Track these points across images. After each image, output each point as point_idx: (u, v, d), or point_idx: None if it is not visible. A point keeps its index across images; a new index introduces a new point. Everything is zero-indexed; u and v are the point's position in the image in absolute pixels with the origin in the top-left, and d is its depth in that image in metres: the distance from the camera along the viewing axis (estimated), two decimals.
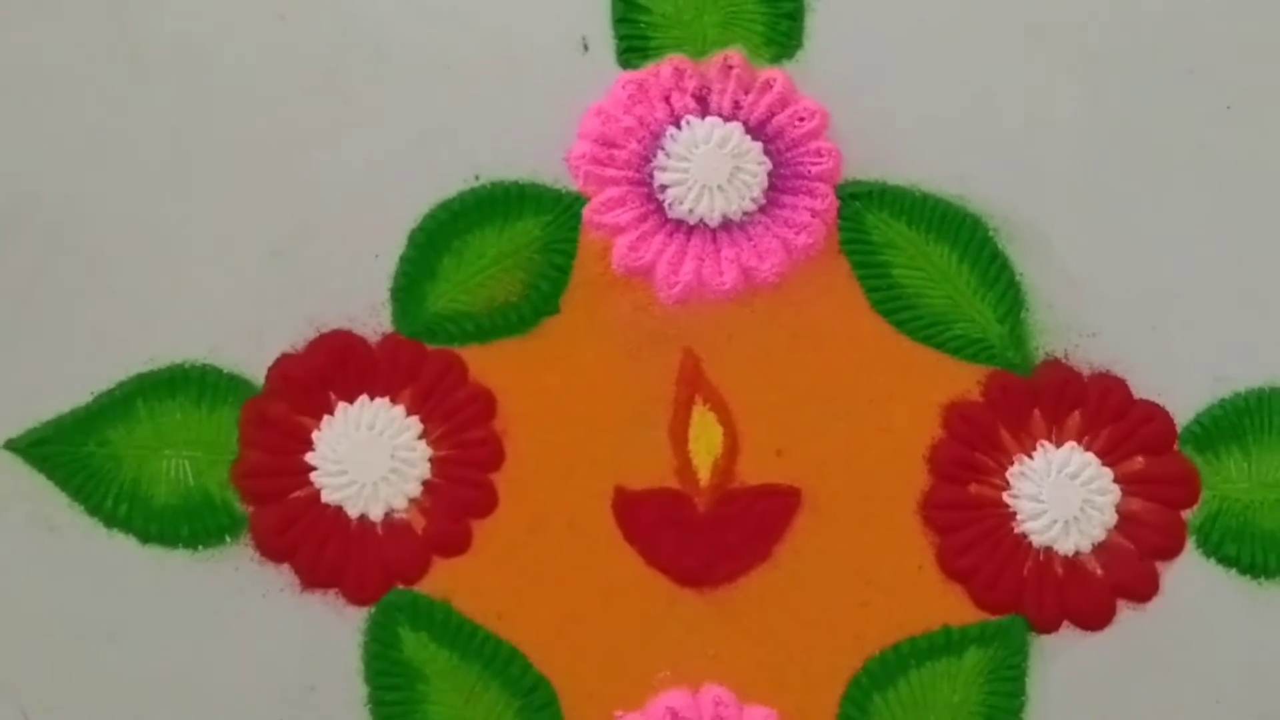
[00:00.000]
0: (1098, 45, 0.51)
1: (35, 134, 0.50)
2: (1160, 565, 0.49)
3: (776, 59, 0.51)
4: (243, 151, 0.50)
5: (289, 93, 0.50)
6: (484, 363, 0.49)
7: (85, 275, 0.49)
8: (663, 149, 0.50)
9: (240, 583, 0.48)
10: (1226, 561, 0.49)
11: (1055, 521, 0.49)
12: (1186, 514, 0.49)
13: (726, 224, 0.50)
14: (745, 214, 0.50)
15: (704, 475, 0.49)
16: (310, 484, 0.49)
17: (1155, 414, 0.50)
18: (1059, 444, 0.49)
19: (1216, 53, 0.52)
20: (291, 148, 0.50)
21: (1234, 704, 0.49)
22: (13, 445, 0.48)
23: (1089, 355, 0.50)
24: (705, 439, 0.49)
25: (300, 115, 0.50)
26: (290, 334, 0.49)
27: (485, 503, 0.49)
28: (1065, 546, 0.49)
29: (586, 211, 0.50)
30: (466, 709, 0.48)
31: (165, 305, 0.49)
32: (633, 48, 0.51)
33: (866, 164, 0.51)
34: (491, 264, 0.50)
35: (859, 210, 0.51)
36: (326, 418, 0.49)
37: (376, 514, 0.49)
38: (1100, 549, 0.49)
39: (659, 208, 0.50)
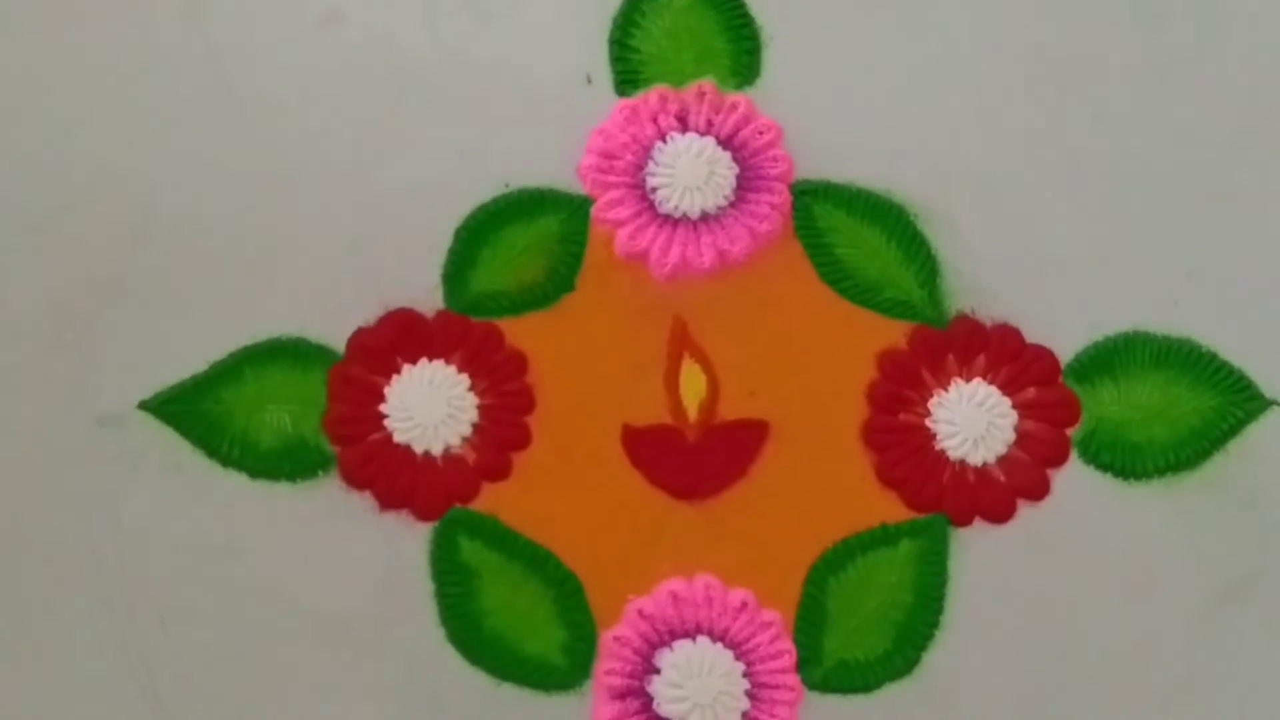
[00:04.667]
0: (991, 72, 0.56)
1: (158, 164, 0.55)
2: (1050, 472, 0.54)
3: (740, 86, 0.56)
4: (323, 171, 0.55)
5: (359, 123, 0.55)
6: (517, 331, 0.54)
7: (201, 271, 0.54)
8: (652, 159, 0.55)
9: (331, 507, 0.53)
10: (1102, 468, 0.54)
11: (967, 440, 0.53)
12: (1070, 431, 0.54)
13: (705, 217, 0.55)
14: (719, 208, 0.55)
15: (692, 413, 0.54)
16: (384, 429, 0.53)
17: (1043, 355, 0.54)
18: (968, 380, 0.54)
19: (1084, 75, 0.56)
20: (362, 166, 0.55)
21: (1108, 580, 0.53)
22: (145, 405, 0.53)
23: (991, 311, 0.55)
24: (692, 385, 0.54)
25: (369, 140, 0.55)
26: (364, 312, 0.54)
27: (522, 439, 0.53)
28: (975, 459, 0.53)
29: (594, 210, 0.55)
30: (513, 598, 0.52)
31: (265, 292, 0.54)
32: (627, 80, 0.56)
33: (813, 167, 0.56)
34: (520, 253, 0.55)
35: (808, 203, 0.55)
36: (395, 377, 0.53)
37: (437, 450, 0.53)
38: (1003, 460, 0.54)
39: (651, 205, 0.55)
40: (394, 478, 0.53)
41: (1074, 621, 0.53)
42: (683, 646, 0.52)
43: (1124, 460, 0.54)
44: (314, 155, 0.56)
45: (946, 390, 0.54)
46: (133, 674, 0.52)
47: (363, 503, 0.53)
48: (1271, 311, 0.55)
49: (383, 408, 0.54)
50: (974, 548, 0.53)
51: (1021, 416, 0.54)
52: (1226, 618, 0.53)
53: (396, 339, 0.54)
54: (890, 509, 0.54)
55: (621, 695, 0.52)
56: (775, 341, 0.55)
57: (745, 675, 0.52)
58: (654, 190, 0.56)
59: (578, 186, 0.56)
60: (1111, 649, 0.53)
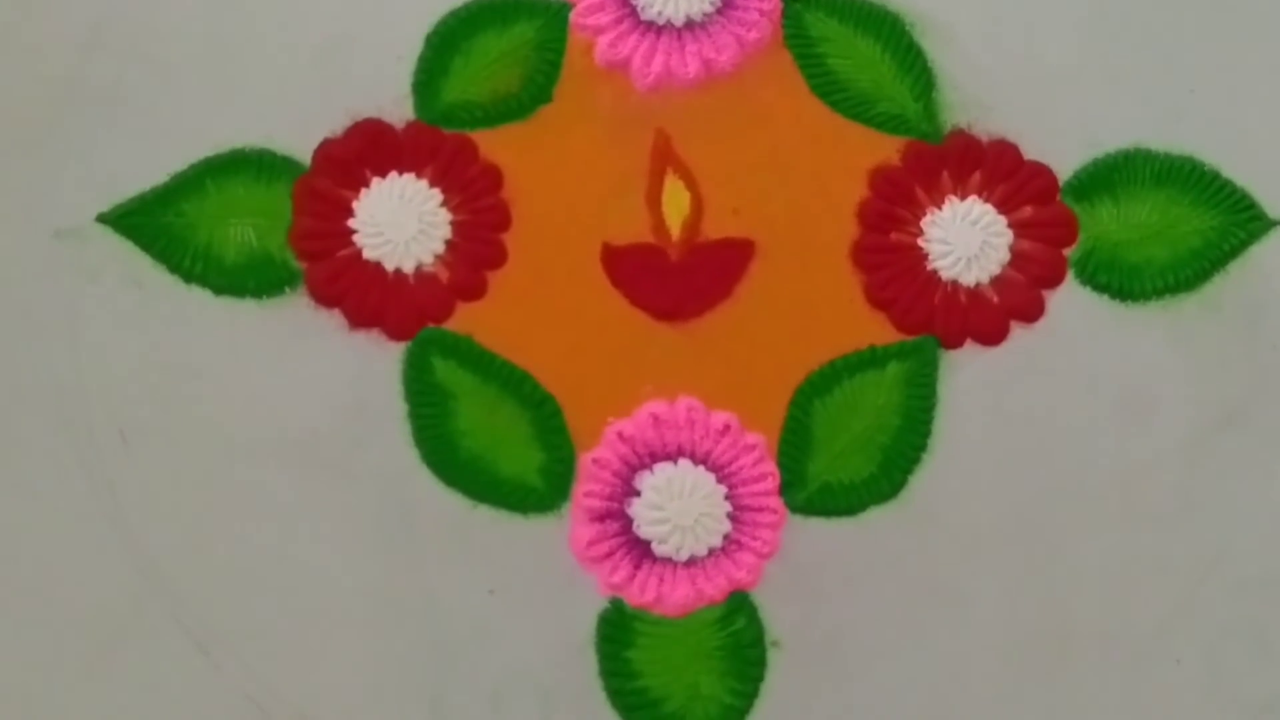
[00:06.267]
0: None
1: None
2: (1045, 293, 0.53)
3: None
4: None
5: None
6: (491, 144, 0.53)
7: (161, 79, 0.53)
8: None
9: (300, 325, 0.52)
10: (1099, 289, 0.53)
11: (960, 259, 0.53)
12: (1067, 251, 0.53)
13: (690, 24, 0.54)
14: (705, 15, 0.54)
15: (675, 231, 0.53)
16: (353, 244, 0.52)
17: (1041, 172, 0.53)
18: (963, 198, 0.53)
19: None
20: None
21: (1103, 403, 0.53)
22: (104, 218, 0.52)
23: (988, 126, 0.54)
24: (675, 202, 0.53)
25: None
26: (331, 123, 0.53)
27: (497, 257, 0.53)
28: (968, 279, 0.53)
29: (572, 15, 0.54)
30: (489, 419, 0.52)
31: (228, 101, 0.53)
32: None
33: None
34: (494, 61, 0.53)
35: (799, 11, 0.54)
36: (364, 190, 0.53)
37: (408, 267, 0.52)
38: (996, 281, 0.53)
39: (633, 11, 0.54)
40: (364, 295, 0.53)
41: (1066, 446, 0.53)
42: (663, 469, 0.52)
43: (1122, 281, 0.54)
44: None
45: (940, 208, 0.54)
46: (94, 493, 0.52)
47: (332, 321, 0.53)
48: (1277, 130, 0.55)
49: (351, 223, 0.53)
50: (964, 370, 0.53)
51: (1017, 235, 0.54)
52: (1223, 442, 0.53)
53: (365, 150, 0.53)
54: (879, 331, 0.53)
55: (600, 517, 0.52)
56: (762, 157, 0.54)
57: (727, 498, 0.52)
58: None
59: None
60: (1105, 474, 0.53)
